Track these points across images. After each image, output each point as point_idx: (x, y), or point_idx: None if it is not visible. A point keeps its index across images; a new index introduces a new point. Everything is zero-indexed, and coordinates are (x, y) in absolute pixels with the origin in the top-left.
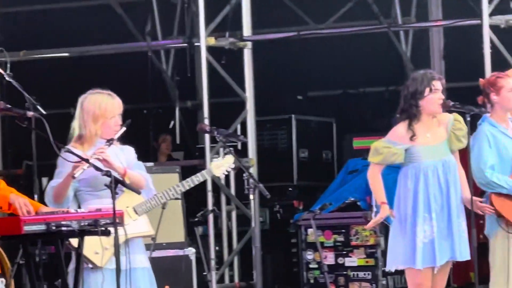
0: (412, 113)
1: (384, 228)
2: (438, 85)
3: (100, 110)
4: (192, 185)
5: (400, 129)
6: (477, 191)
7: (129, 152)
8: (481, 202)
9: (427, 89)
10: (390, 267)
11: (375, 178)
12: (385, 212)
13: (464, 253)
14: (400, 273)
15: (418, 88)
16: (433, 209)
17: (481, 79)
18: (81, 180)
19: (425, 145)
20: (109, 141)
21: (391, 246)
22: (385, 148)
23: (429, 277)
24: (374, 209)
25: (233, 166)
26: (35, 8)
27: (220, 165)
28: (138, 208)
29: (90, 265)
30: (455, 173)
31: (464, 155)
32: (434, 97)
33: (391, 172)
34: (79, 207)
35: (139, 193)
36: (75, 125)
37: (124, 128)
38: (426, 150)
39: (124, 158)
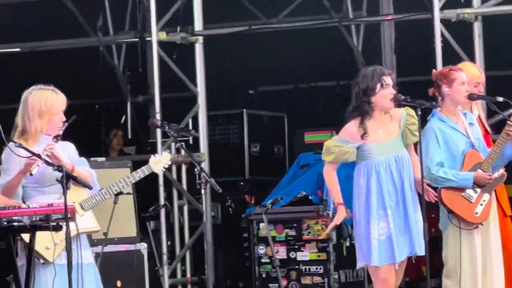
0: (364, 110)
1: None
2: (388, 80)
3: (46, 106)
4: (133, 181)
5: (351, 127)
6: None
7: (70, 148)
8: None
9: (378, 85)
10: (358, 264)
11: (330, 178)
12: (342, 213)
13: (423, 247)
14: (352, 267)
15: (369, 84)
16: (388, 206)
17: (434, 70)
18: (28, 176)
19: (377, 142)
20: (56, 137)
21: (356, 244)
22: (336, 147)
23: (392, 272)
24: (332, 205)
25: (169, 162)
26: None
27: (158, 161)
28: (84, 203)
29: (42, 261)
30: (409, 168)
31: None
32: (385, 92)
33: (344, 167)
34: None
35: (90, 188)
36: (19, 120)
37: (65, 124)
38: (378, 147)
39: (66, 154)
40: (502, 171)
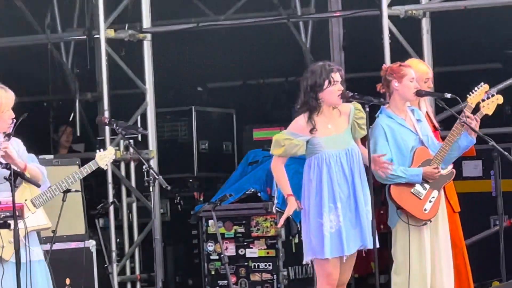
0: (312, 106)
1: (285, 219)
2: (337, 76)
3: None
4: (81, 176)
5: (300, 121)
6: (377, 182)
7: (18, 144)
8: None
9: (326, 82)
10: (305, 259)
11: (279, 171)
12: (293, 205)
13: (373, 241)
14: (301, 264)
15: (317, 80)
16: (338, 199)
17: (384, 65)
18: None
19: (327, 136)
20: (8, 136)
21: (303, 239)
22: (287, 140)
23: (337, 267)
24: (276, 201)
25: (114, 157)
26: None
27: (104, 156)
28: (35, 200)
29: None
30: (360, 161)
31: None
32: (333, 89)
33: (292, 163)
34: None
35: (38, 186)
36: None
37: (15, 122)
38: (328, 140)
39: (15, 151)
40: (450, 167)
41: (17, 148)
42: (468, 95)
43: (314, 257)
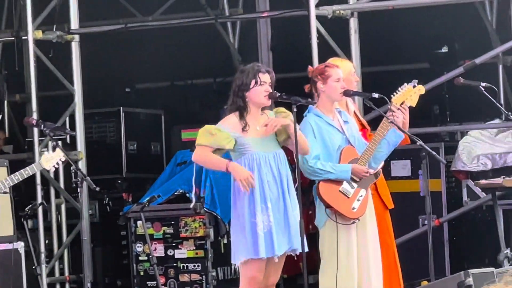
0: (240, 105)
1: (213, 219)
2: (265, 77)
3: None
4: (21, 179)
5: (232, 119)
6: (306, 182)
7: None
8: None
9: (253, 81)
10: (233, 260)
11: (205, 156)
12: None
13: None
14: (230, 264)
15: (244, 80)
16: (269, 199)
17: (309, 67)
18: None
19: (256, 137)
20: None
21: (233, 240)
22: (218, 130)
23: (262, 270)
24: (194, 199)
25: (63, 159)
26: None
27: (50, 158)
28: None
29: None
30: (287, 166)
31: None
32: (260, 89)
33: None
34: None
35: None
36: None
37: None
38: (257, 141)
39: None
40: (377, 168)
41: None
42: (392, 95)
43: (249, 258)
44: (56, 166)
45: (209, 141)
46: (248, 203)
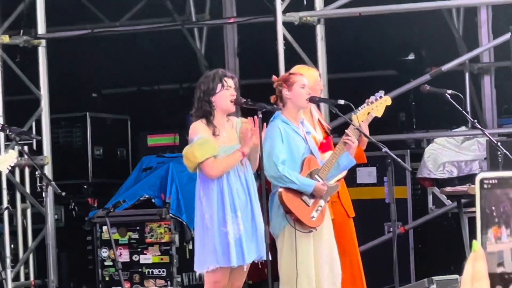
0: (206, 111)
1: (179, 225)
2: (230, 82)
3: None
4: None
5: (199, 125)
6: (268, 184)
7: None
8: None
9: (219, 85)
10: (200, 269)
11: (219, 164)
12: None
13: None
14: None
15: (210, 85)
16: (238, 207)
17: (274, 76)
18: None
19: (223, 145)
20: None
21: (199, 248)
22: (207, 139)
23: (226, 275)
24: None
25: (15, 160)
26: None
27: (4, 160)
28: None
29: None
30: (252, 175)
31: None
32: (226, 93)
33: (185, 169)
34: None
35: None
36: None
37: None
38: (225, 149)
39: None
40: (336, 181)
41: None
42: (354, 113)
43: (218, 266)
44: (9, 168)
45: (210, 151)
46: (217, 211)
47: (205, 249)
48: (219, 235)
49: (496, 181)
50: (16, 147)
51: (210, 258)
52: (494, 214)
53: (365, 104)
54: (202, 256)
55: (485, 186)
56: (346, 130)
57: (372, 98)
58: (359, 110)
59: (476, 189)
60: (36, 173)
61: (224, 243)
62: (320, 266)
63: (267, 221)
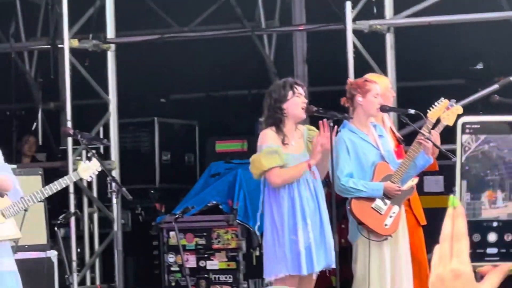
0: (278, 118)
1: (246, 231)
2: (300, 90)
3: None
4: (59, 188)
5: (270, 133)
6: (339, 196)
7: None
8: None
9: (290, 93)
10: (269, 276)
11: (285, 174)
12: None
13: (335, 260)
14: (262, 276)
15: (281, 92)
16: (308, 215)
17: (349, 80)
18: None
19: (292, 153)
20: None
21: (268, 255)
22: (276, 149)
23: (296, 283)
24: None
25: (100, 169)
26: None
27: (88, 168)
28: (5, 211)
29: None
30: (320, 183)
31: None
32: (297, 100)
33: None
34: None
35: (2, 196)
36: None
37: None
38: (293, 157)
39: None
40: (410, 183)
41: None
42: (428, 110)
43: (288, 274)
44: (93, 176)
45: (277, 161)
46: (287, 219)
47: (275, 257)
48: (289, 243)
49: (478, 125)
50: (84, 152)
51: (280, 266)
52: (488, 178)
53: (436, 103)
54: (271, 263)
55: (467, 131)
56: (421, 130)
57: (448, 103)
58: (433, 107)
59: (457, 134)
60: (108, 179)
61: (294, 251)
62: (397, 274)
63: (336, 230)
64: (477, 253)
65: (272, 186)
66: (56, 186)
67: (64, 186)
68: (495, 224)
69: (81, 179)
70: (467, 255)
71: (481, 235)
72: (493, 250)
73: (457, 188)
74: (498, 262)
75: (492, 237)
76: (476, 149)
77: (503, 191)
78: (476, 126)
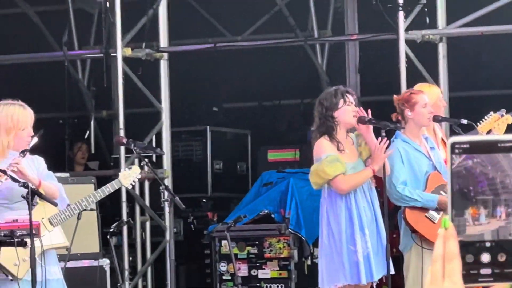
0: (330, 126)
1: (298, 240)
2: (351, 98)
3: (13, 121)
4: (103, 196)
5: (325, 142)
6: (391, 206)
7: (39, 162)
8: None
9: (341, 101)
10: (327, 285)
11: (350, 180)
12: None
13: (391, 267)
14: (313, 285)
15: (332, 100)
16: (365, 225)
17: (395, 96)
18: None
19: (349, 162)
20: (23, 153)
21: (326, 264)
22: (337, 156)
23: None
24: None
25: (139, 176)
26: None
27: (128, 175)
28: (53, 219)
29: (10, 277)
30: (374, 190)
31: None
32: (348, 108)
33: (305, 185)
34: None
35: (55, 204)
36: None
37: (36, 139)
38: (349, 166)
39: (34, 168)
40: None
41: (37, 165)
42: (478, 123)
43: (347, 283)
44: (133, 183)
45: (340, 169)
46: (345, 229)
47: (334, 266)
48: (347, 253)
49: (467, 145)
50: (136, 160)
51: (338, 275)
52: (472, 194)
53: (486, 117)
54: (330, 272)
55: (456, 151)
56: None
57: (498, 113)
58: (483, 121)
59: (447, 155)
60: (160, 188)
61: (353, 261)
62: None
63: (388, 239)
64: (471, 274)
65: (335, 195)
66: (100, 193)
67: (107, 193)
68: (488, 244)
69: (133, 188)
70: (459, 276)
71: (474, 256)
72: (487, 271)
73: (449, 209)
74: (492, 283)
75: (485, 257)
76: (459, 164)
77: (486, 208)
78: (465, 146)
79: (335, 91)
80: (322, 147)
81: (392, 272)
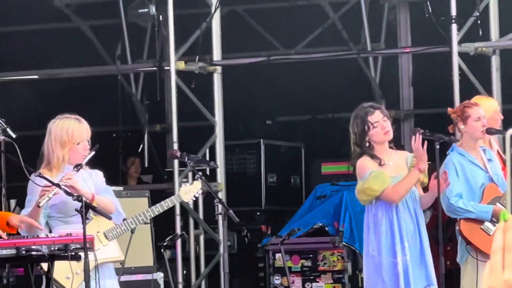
0: (365, 148)
1: (352, 253)
2: (374, 117)
3: (68, 135)
4: (161, 211)
5: (366, 160)
6: (444, 218)
7: (98, 176)
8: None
9: (365, 127)
10: None
11: (398, 189)
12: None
13: (435, 280)
14: None
15: (359, 128)
16: (405, 238)
17: (449, 109)
18: (52, 206)
19: (391, 176)
20: (77, 167)
21: (369, 276)
22: (382, 171)
23: None
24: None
25: (201, 191)
26: (6, 29)
27: (189, 190)
28: (108, 233)
29: None
30: (419, 204)
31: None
32: (377, 130)
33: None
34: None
35: (109, 218)
36: (44, 150)
37: (92, 153)
38: (393, 180)
39: (92, 183)
40: None
41: (95, 179)
42: None
43: None
44: (194, 198)
45: (386, 182)
46: (385, 241)
47: (373, 278)
48: (387, 265)
49: None
50: (190, 174)
51: (379, 286)
52: None
53: None
54: (370, 284)
55: None
56: None
57: None
58: None
59: (506, 147)
60: (215, 201)
61: (393, 273)
62: None
63: (442, 252)
64: None
65: (376, 209)
66: (158, 208)
67: (166, 208)
68: None
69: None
70: None
71: None
72: None
73: (507, 202)
74: None
75: None
76: None
77: None
78: None
79: (358, 119)
80: (364, 166)
81: (435, 285)
